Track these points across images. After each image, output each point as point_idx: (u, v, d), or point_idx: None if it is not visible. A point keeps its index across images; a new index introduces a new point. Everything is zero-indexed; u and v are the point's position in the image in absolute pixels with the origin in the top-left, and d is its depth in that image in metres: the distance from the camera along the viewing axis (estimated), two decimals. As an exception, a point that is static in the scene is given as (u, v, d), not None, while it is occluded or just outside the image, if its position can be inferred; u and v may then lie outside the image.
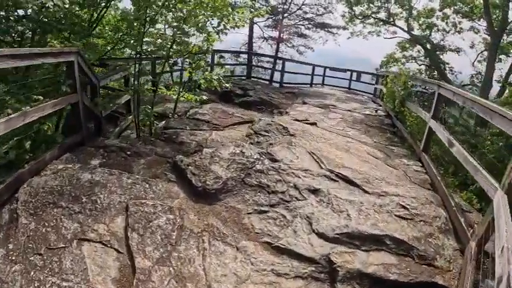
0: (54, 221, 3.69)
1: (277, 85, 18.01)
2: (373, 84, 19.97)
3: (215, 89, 9.91)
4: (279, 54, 23.98)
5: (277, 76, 18.62)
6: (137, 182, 4.55)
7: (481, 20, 23.17)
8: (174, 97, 8.73)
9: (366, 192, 4.79)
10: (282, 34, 24.37)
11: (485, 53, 23.67)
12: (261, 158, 5.38)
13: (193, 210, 4.26)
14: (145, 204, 4.08)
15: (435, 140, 6.95)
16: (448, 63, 23.40)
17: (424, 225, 4.38)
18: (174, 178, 4.92)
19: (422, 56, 25.81)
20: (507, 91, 15.16)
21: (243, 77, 18.51)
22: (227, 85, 8.23)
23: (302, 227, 4.06)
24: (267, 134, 6.99)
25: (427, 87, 11.46)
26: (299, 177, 4.89)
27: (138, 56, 7.10)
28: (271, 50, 25.10)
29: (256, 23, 23.20)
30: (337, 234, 3.93)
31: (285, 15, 23.85)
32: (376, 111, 11.76)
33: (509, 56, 21.03)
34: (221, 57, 20.46)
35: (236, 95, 13.64)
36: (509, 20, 18.53)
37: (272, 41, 24.87)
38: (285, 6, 23.67)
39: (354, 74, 21.34)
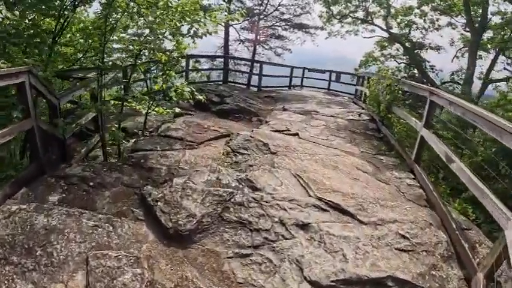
0: (5, 282, 3.02)
1: (255, 89, 17.41)
2: (353, 85, 19.54)
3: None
4: (256, 57, 23.43)
5: (255, 80, 17.98)
6: (99, 225, 3.87)
7: (459, 16, 23.09)
8: (144, 112, 8.03)
9: (361, 222, 4.22)
10: (258, 36, 23.80)
11: (465, 49, 23.66)
12: (240, 186, 4.74)
13: (165, 257, 3.61)
14: (108, 256, 3.40)
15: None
16: (428, 62, 23.18)
17: (427, 256, 3.91)
18: (142, 215, 4.26)
19: (401, 54, 25.60)
20: (498, 94, 14.85)
21: (220, 82, 17.91)
22: (200, 97, 7.52)
23: (292, 273, 3.45)
24: (245, 152, 6.37)
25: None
26: (285, 209, 4.27)
27: (100, 70, 6.39)
28: (248, 53, 24.54)
29: (232, 26, 22.58)
30: (333, 281, 3.35)
31: (262, 16, 23.28)
32: (359, 115, 11.27)
33: (489, 53, 20.85)
34: (197, 61, 19.79)
35: (213, 103, 12.97)
36: (489, 17, 18.33)
37: (249, 44, 24.29)
38: (261, 8, 23.12)
39: (333, 75, 20.93)
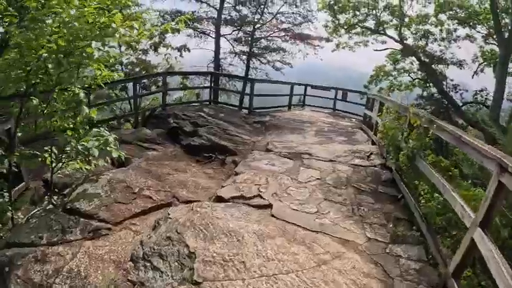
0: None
1: (247, 111, 14.75)
2: (362, 105, 16.77)
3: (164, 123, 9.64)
4: (251, 72, 20.79)
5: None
6: None
7: (481, 26, 20.32)
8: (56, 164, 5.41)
9: None
10: (253, 48, 21.08)
11: (484, 64, 20.80)
12: None
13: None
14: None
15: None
16: (452, 80, 20.18)
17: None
18: None
19: (416, 68, 22.84)
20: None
21: (207, 102, 15.28)
22: (122, 155, 4.91)
23: None
24: (157, 267, 3.68)
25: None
26: None
27: None
28: (244, 67, 21.79)
29: (223, 36, 19.97)
30: None
31: (258, 26, 20.56)
32: (368, 156, 8.50)
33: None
34: (184, 77, 17.28)
35: (184, 133, 10.46)
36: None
37: (245, 56, 21.56)
38: (257, 16, 20.39)
39: (340, 93, 18.17)
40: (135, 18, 5.75)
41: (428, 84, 22.16)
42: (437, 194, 4.95)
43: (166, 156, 8.97)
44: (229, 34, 20.43)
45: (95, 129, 5.29)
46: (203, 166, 8.49)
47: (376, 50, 22.29)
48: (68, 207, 5.15)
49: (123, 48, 17.06)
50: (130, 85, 15.43)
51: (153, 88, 15.86)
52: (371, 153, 8.66)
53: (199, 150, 9.28)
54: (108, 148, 4.93)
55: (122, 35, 4.68)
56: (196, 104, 15.31)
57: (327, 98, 18.60)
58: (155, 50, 17.05)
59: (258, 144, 9.42)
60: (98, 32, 4.47)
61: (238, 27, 19.91)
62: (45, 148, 5.28)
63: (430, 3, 21.04)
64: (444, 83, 19.59)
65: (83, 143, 4.84)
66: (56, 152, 5.24)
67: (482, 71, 21.10)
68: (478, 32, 20.68)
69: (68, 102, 4.91)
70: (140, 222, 4.98)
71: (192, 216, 4.60)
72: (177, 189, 6.27)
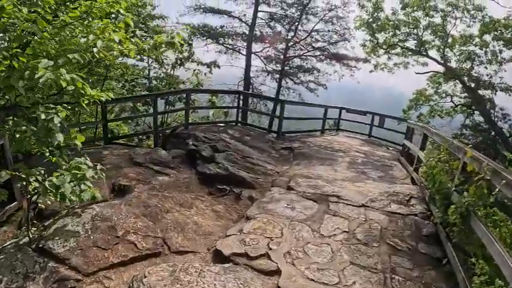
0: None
1: (275, 135, 13.67)
2: (401, 133, 15.37)
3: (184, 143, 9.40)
4: (283, 93, 19.73)
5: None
6: None
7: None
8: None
9: None
10: (285, 67, 20.05)
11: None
12: None
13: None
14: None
15: None
16: (502, 109, 18.39)
17: None
18: None
19: (459, 92, 21.22)
20: None
21: (233, 123, 14.35)
22: (97, 196, 4.03)
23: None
24: None
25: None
26: None
27: None
28: (276, 88, 20.76)
29: (255, 53, 19.08)
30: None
31: (291, 44, 19.54)
32: (407, 200, 7.23)
33: None
34: (213, 95, 16.46)
35: (202, 158, 9.53)
36: None
37: (277, 75, 20.57)
38: (291, 34, 19.39)
39: (376, 118, 16.81)
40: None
41: (472, 111, 20.50)
42: (501, 283, 3.65)
43: (177, 184, 8.03)
44: (261, 51, 19.53)
45: (76, 159, 4.42)
46: (215, 200, 7.51)
47: (418, 73, 20.84)
48: (41, 245, 4.34)
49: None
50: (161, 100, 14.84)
51: (178, 105, 15.07)
52: (411, 197, 7.38)
53: (213, 180, 8.31)
54: (82, 186, 4.02)
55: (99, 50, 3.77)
56: (222, 124, 14.42)
57: (363, 123, 17.30)
58: (181, 64, 16.38)
59: (279, 180, 8.26)
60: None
61: (270, 44, 18.95)
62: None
63: (474, 22, 19.55)
64: (492, 111, 17.82)
65: (52, 178, 3.94)
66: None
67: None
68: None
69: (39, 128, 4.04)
70: (116, 276, 4.03)
71: (170, 287, 3.55)
72: (172, 233, 5.26)
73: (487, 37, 19.23)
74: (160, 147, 10.54)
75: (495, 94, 18.27)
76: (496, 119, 17.86)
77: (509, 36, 18.43)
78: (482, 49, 19.36)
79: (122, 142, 12.58)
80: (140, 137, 15.45)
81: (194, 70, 17.41)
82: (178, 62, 16.74)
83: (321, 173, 8.97)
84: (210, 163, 9.05)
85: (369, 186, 7.81)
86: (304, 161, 10.48)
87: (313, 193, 6.98)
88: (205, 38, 18.62)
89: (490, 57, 19.24)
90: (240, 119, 14.96)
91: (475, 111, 19.24)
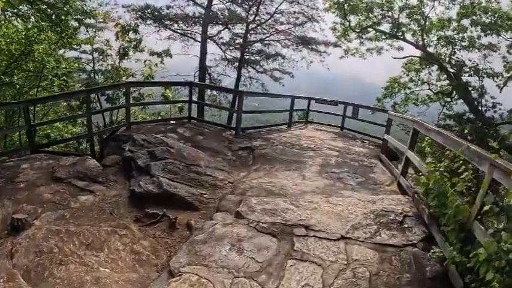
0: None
1: (234, 132, 11.52)
2: (379, 125, 13.61)
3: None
4: (245, 83, 17.56)
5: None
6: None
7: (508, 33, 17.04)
8: None
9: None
10: (246, 54, 17.81)
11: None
12: None
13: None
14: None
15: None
16: (493, 97, 16.68)
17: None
18: None
19: (434, 80, 19.68)
20: None
21: (185, 120, 12.17)
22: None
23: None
24: None
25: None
26: None
27: None
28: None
29: (211, 38, 16.72)
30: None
31: (252, 26, 17.25)
32: (401, 221, 5.30)
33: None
34: (167, 89, 14.22)
35: (137, 168, 7.50)
36: None
37: (238, 63, 18.32)
38: (251, 14, 17.05)
39: (350, 108, 14.95)
40: None
41: (451, 99, 18.98)
42: None
43: (100, 207, 6.13)
44: (216, 35, 17.17)
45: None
46: (141, 231, 5.46)
47: (395, 58, 19.08)
48: None
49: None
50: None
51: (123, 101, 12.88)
52: (404, 215, 5.47)
53: (144, 200, 6.24)
54: None
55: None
56: (172, 122, 12.27)
57: (335, 114, 15.45)
58: (125, 54, 14.08)
59: (228, 199, 6.14)
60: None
61: (225, 26, 16.61)
62: None
63: (453, 4, 17.88)
64: (480, 99, 16.14)
65: None
66: None
67: (505, 84, 17.84)
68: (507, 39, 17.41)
69: None
70: None
71: None
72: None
73: (466, 21, 17.68)
74: (91, 155, 9.06)
75: (481, 81, 16.56)
76: (484, 108, 16.20)
77: (488, 20, 16.88)
78: (459, 34, 17.77)
79: (50, 150, 10.38)
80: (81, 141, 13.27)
81: (145, 61, 15.26)
82: (121, 51, 14.42)
83: (285, 183, 7.00)
84: (146, 175, 6.99)
85: (349, 202, 5.83)
86: (266, 165, 8.50)
87: (271, 223, 4.89)
88: (150, 22, 16.19)
89: (467, 43, 17.66)
90: (195, 115, 12.83)
91: (457, 100, 17.66)
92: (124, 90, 11.45)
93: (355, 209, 5.51)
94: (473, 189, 4.05)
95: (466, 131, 14.08)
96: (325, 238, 4.58)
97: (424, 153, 5.87)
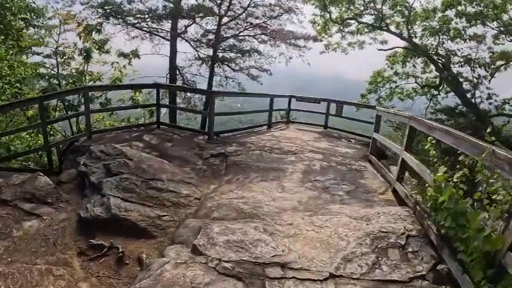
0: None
1: (207, 137, 10.31)
2: (365, 122, 12.61)
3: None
4: (221, 83, 16.33)
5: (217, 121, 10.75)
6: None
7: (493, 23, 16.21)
8: None
9: None
10: (218, 51, 16.55)
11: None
12: None
13: None
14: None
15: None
16: (489, 88, 15.66)
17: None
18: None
19: (420, 72, 18.80)
20: None
21: (154, 126, 10.97)
22: None
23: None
24: None
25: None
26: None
27: None
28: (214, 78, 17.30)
29: (180, 35, 15.43)
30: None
31: (225, 21, 15.99)
32: (403, 245, 4.21)
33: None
34: (138, 92, 13.03)
35: (91, 185, 6.36)
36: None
37: (210, 61, 17.06)
38: (223, 8, 15.73)
39: (333, 105, 13.90)
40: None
41: (438, 92, 18.10)
42: None
43: (44, 235, 5.12)
44: (184, 32, 15.85)
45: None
46: (83, 268, 4.34)
47: (381, 50, 18.10)
48: None
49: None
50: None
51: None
52: (407, 235, 4.38)
53: (91, 227, 5.09)
54: None
55: None
56: (140, 128, 11.10)
57: (317, 112, 14.40)
58: (87, 57, 12.83)
59: (186, 225, 4.90)
60: None
61: (192, 20, 15.31)
62: None
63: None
64: (474, 90, 15.13)
65: None
66: None
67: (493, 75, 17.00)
68: (493, 28, 16.54)
69: None
70: None
71: None
72: None
73: (451, 12, 16.76)
74: (48, 170, 8.15)
75: (473, 71, 15.57)
76: (479, 100, 15.22)
77: (473, 10, 16.00)
78: (444, 25, 16.85)
79: (3, 166, 9.09)
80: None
81: (112, 63, 14.06)
82: (83, 53, 13.17)
83: (261, 197, 5.86)
84: (98, 194, 5.86)
85: (338, 223, 4.70)
86: (240, 175, 7.35)
87: (236, 261, 3.68)
88: (114, 21, 14.87)
89: (453, 34, 16.77)
90: (168, 119, 11.60)
91: (447, 93, 16.75)
92: (82, 96, 10.24)
93: (347, 232, 4.39)
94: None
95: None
96: (308, 279, 3.44)
97: (428, 157, 4.77)
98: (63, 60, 14.12)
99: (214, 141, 10.00)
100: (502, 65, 16.51)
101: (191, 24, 15.57)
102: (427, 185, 4.76)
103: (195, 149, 9.25)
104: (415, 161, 5.38)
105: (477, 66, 15.70)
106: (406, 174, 6.41)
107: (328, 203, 5.76)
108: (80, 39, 13.94)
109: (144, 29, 15.54)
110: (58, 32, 14.43)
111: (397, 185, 6.19)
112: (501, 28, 15.98)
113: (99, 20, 14.48)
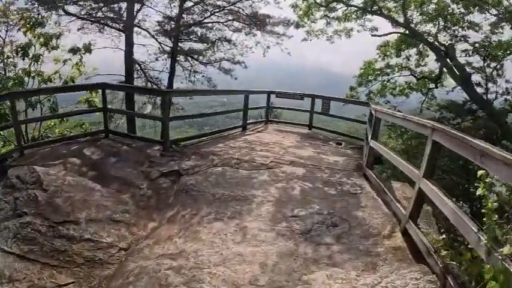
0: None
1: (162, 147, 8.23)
2: (351, 120, 10.69)
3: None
4: (190, 79, 14.15)
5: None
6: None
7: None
8: None
9: None
10: (183, 41, 14.30)
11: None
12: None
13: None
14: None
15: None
16: (508, 81, 13.40)
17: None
18: None
19: (415, 65, 16.80)
20: None
21: (102, 134, 8.88)
22: None
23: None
24: None
25: None
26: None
27: None
28: (183, 74, 15.07)
29: (138, 25, 13.20)
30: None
31: (188, 5, 13.63)
32: None
33: None
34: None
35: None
36: None
37: (182, 57, 14.82)
38: None
39: (319, 102, 12.05)
40: None
41: (436, 86, 16.15)
42: None
43: None
44: (139, 20, 13.59)
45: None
46: None
47: (375, 35, 16.06)
48: None
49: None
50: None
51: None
52: None
53: None
54: None
55: None
56: (85, 138, 8.96)
57: (300, 110, 12.48)
58: (24, 55, 10.78)
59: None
60: None
61: (141, 3, 12.98)
62: None
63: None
64: (490, 84, 12.96)
65: None
66: None
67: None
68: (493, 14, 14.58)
69: None
70: None
71: None
72: None
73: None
74: None
75: (485, 60, 13.31)
76: (494, 96, 13.06)
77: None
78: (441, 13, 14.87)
79: None
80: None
81: (65, 61, 11.95)
82: (19, 50, 11.07)
83: (207, 256, 3.86)
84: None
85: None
86: (188, 208, 5.28)
87: None
88: (55, 10, 12.61)
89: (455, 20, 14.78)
90: (126, 125, 9.43)
91: (445, 87, 14.86)
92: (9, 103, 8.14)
93: None
94: None
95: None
96: None
97: (481, 204, 2.69)
98: (6, 60, 12.04)
99: (170, 153, 7.96)
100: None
101: (140, 8, 13.21)
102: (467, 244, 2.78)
103: (144, 165, 7.25)
104: (445, 200, 3.36)
105: (489, 55, 13.43)
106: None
107: (308, 266, 3.71)
108: (25, 35, 11.90)
109: (92, 19, 13.23)
110: (6, 29, 12.36)
111: (410, 225, 4.20)
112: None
113: (42, 13, 12.22)
